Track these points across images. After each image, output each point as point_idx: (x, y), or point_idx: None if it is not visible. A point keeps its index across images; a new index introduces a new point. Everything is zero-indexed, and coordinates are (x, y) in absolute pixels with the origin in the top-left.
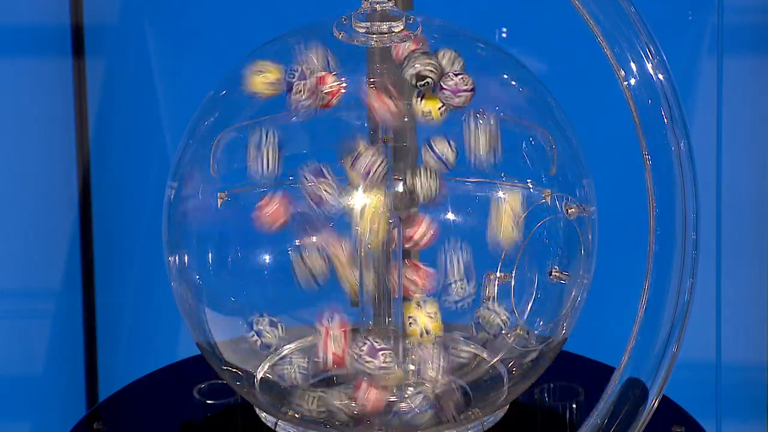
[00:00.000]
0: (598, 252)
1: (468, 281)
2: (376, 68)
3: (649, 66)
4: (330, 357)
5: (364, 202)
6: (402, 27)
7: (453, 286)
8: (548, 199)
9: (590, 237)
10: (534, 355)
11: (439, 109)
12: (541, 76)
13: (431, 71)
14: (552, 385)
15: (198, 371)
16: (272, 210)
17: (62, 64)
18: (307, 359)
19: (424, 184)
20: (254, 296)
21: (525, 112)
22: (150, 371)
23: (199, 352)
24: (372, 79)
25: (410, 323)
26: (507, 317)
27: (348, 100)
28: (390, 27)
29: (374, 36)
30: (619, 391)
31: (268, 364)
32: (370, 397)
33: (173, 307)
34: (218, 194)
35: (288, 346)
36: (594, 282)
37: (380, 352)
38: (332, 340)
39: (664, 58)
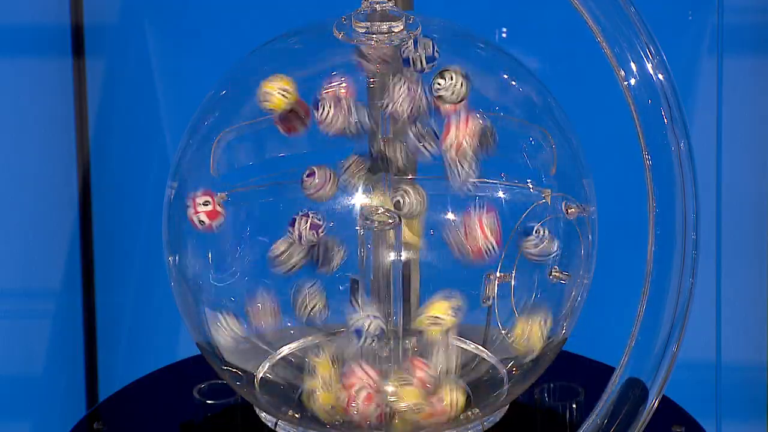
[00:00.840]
0: (598, 252)
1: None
2: (376, 68)
3: (649, 66)
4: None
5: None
6: (402, 27)
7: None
8: (548, 199)
9: (590, 237)
10: (534, 355)
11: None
12: (541, 76)
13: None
14: (552, 385)
15: (198, 371)
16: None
17: (62, 64)
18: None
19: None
20: (254, 296)
21: (525, 112)
22: (150, 371)
23: (199, 352)
24: (372, 79)
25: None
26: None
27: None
28: (390, 27)
29: (374, 36)
30: (619, 391)
31: (268, 364)
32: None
33: (173, 307)
34: (218, 194)
35: (288, 346)
36: (594, 282)
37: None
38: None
39: (664, 58)
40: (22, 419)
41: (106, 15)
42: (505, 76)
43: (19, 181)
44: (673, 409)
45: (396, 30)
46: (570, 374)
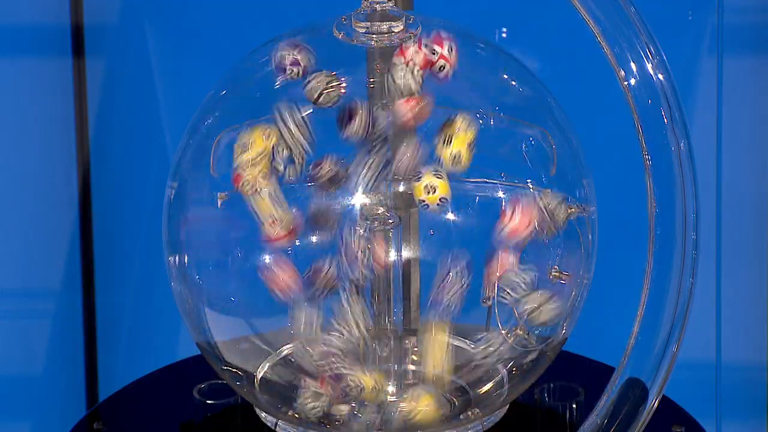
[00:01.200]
0: (598, 252)
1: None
2: (376, 68)
3: (649, 66)
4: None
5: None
6: (402, 27)
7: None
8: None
9: (590, 237)
10: (534, 355)
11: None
12: (541, 76)
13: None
14: (552, 385)
15: (198, 371)
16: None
17: (62, 64)
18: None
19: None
20: (254, 296)
21: (525, 112)
22: (150, 371)
23: (199, 352)
24: (372, 80)
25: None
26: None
27: (348, 100)
28: (390, 27)
29: (374, 36)
30: (619, 391)
31: (268, 364)
32: None
33: (173, 307)
34: (218, 194)
35: (288, 347)
36: (594, 282)
37: None
38: None
39: (664, 58)
40: (22, 419)
41: (106, 15)
42: (505, 76)
43: (19, 181)
44: (673, 409)
45: (396, 30)
46: (570, 374)
